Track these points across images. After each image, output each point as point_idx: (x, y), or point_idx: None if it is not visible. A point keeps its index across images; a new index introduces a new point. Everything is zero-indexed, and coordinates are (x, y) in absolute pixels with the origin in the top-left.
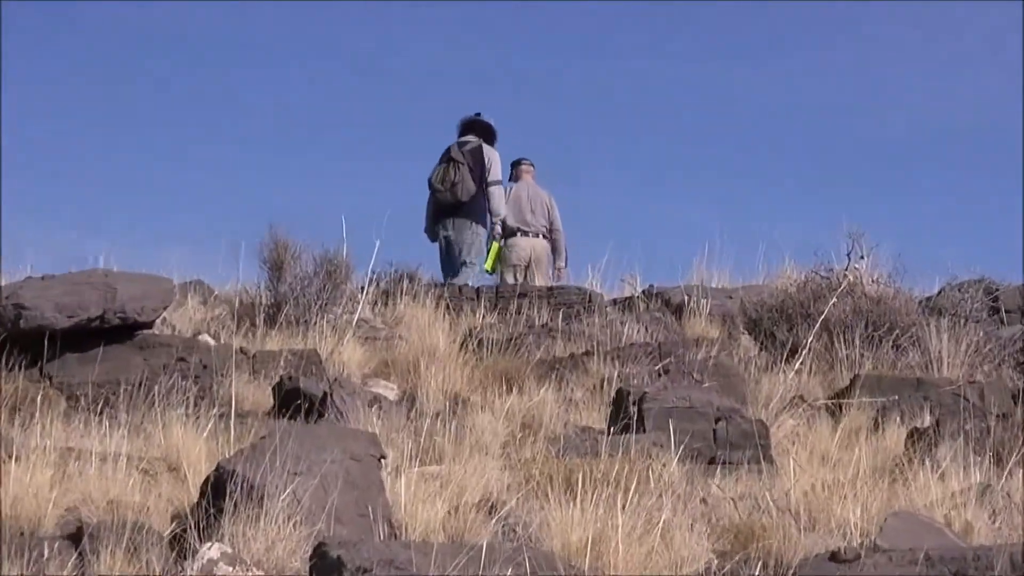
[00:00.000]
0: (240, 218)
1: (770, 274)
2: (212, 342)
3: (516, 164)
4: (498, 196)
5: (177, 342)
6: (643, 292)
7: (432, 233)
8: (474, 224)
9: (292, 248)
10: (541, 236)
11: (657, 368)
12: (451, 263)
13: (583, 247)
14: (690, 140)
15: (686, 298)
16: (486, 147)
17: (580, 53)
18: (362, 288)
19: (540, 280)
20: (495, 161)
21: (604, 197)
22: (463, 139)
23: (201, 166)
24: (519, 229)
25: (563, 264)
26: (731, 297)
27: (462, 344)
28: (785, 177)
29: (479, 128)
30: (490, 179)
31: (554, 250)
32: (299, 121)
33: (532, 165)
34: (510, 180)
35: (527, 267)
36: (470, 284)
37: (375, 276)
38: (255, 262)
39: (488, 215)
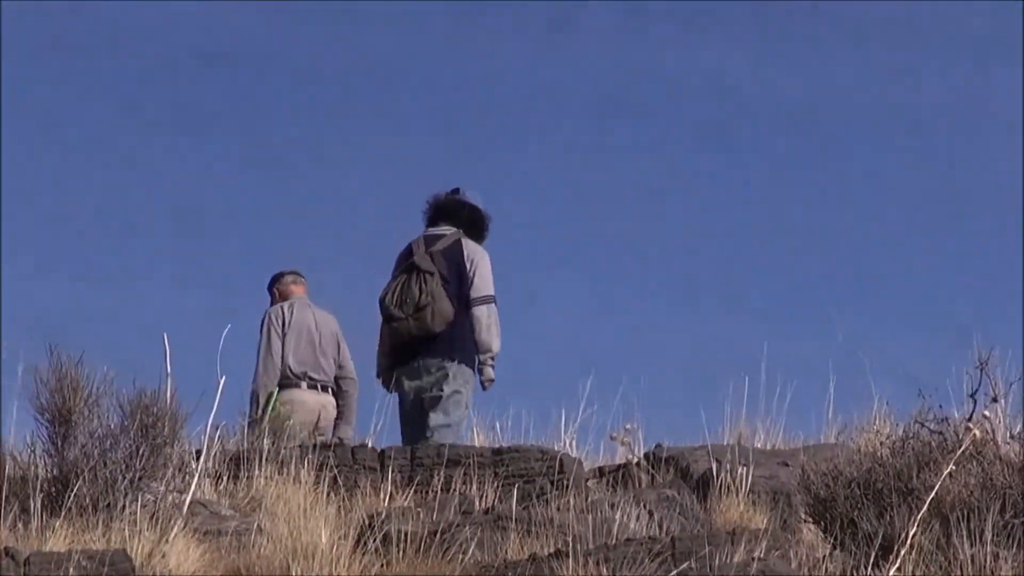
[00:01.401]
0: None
1: (848, 427)
2: None
3: (278, 279)
4: (487, 321)
5: None
6: (646, 456)
7: (388, 380)
8: (457, 364)
9: (86, 387)
10: (330, 390)
11: None
12: (417, 426)
13: (547, 384)
14: (719, 218)
15: (714, 465)
16: (467, 243)
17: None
18: (198, 453)
19: None
20: (482, 264)
21: (579, 307)
22: (433, 231)
23: None
24: (306, 377)
25: (351, 432)
26: (787, 464)
27: (358, 540)
28: (867, 267)
29: (458, 213)
30: (474, 293)
31: (341, 409)
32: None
33: (302, 277)
34: (272, 302)
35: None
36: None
37: (219, 433)
38: (27, 409)
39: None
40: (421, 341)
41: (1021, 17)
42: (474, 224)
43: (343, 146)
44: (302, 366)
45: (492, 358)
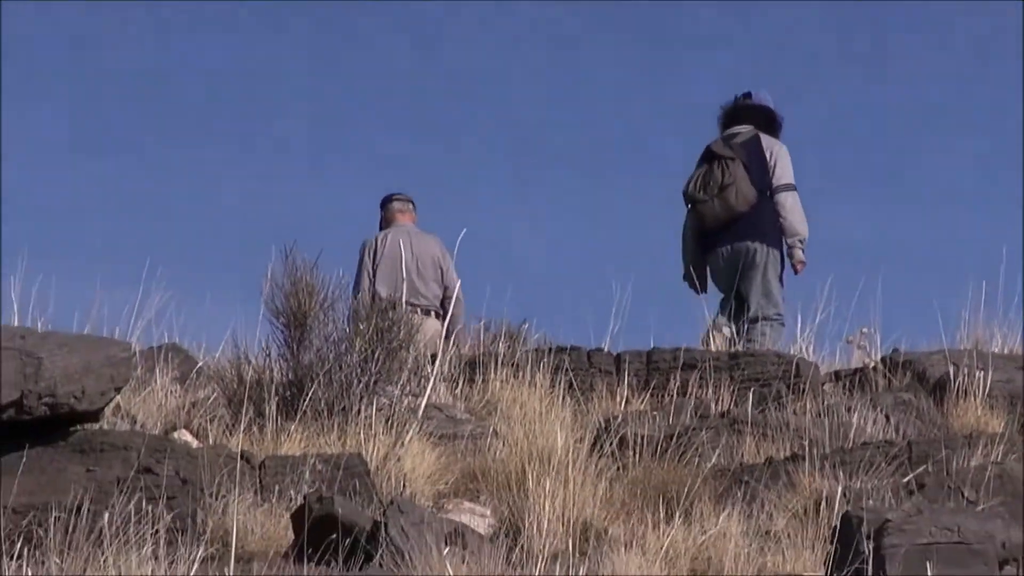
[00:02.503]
0: (240, 241)
1: None
2: (195, 443)
3: (385, 203)
4: (792, 205)
5: (139, 443)
6: (883, 360)
7: (694, 274)
8: (764, 247)
9: (322, 292)
10: (434, 314)
11: (906, 481)
12: (732, 313)
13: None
14: (965, 115)
15: (951, 370)
16: (765, 137)
17: None
18: (433, 356)
19: None
20: (782, 154)
21: (820, 207)
22: (729, 131)
23: (180, 169)
24: (405, 304)
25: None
26: None
27: (594, 444)
28: None
29: (752, 115)
30: (777, 181)
31: (448, 329)
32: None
33: (412, 203)
34: (380, 225)
35: None
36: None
37: (454, 335)
38: (263, 314)
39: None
40: (726, 225)
41: (1021, 17)
42: (768, 123)
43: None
44: (397, 293)
45: (801, 241)
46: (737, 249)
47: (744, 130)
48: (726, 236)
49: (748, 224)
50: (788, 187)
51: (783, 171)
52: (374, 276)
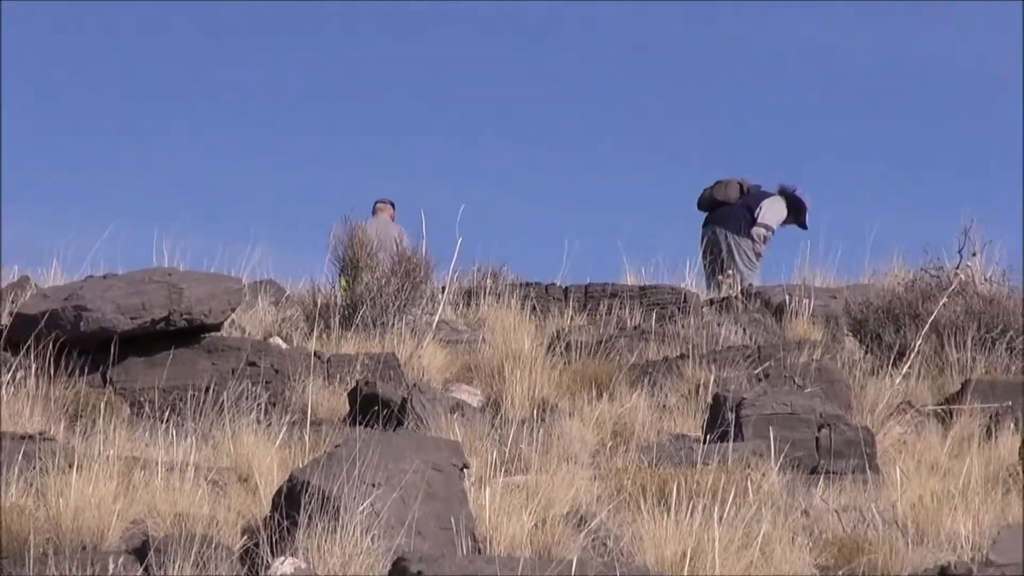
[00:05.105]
0: (314, 212)
1: (877, 272)
2: (284, 345)
3: (375, 203)
4: (762, 235)
5: (247, 345)
6: (742, 292)
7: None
8: (728, 234)
9: (368, 245)
10: None
11: (756, 372)
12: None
13: (676, 242)
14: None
15: (787, 298)
16: (773, 197)
17: None
18: (443, 288)
19: None
20: (770, 210)
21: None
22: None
23: (273, 159)
24: None
25: None
26: (835, 297)
27: (549, 347)
28: (895, 163)
29: (785, 193)
30: (759, 220)
31: None
32: (380, 111)
33: (391, 205)
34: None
35: None
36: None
37: (456, 275)
38: (329, 259)
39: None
40: (712, 209)
41: (1021, 17)
42: (793, 207)
43: None
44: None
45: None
46: (714, 235)
47: (773, 190)
48: (710, 221)
49: (720, 212)
50: (762, 226)
51: (764, 215)
52: None
